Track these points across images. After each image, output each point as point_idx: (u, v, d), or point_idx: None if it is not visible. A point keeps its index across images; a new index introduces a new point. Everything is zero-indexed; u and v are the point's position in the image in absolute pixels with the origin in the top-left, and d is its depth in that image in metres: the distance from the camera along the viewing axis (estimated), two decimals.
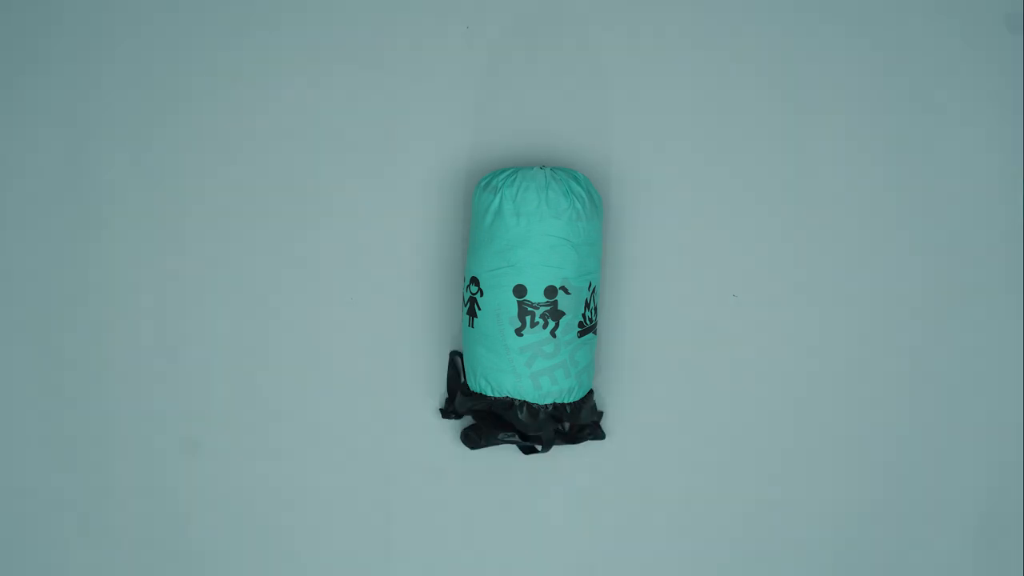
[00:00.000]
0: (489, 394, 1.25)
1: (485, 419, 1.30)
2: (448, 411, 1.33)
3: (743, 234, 1.37)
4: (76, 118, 1.38)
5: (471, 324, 1.24)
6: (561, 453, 1.33)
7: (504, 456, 1.35)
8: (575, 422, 1.28)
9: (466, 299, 1.25)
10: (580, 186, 1.23)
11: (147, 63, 1.38)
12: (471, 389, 1.27)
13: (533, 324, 1.20)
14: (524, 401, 1.24)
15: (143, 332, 1.38)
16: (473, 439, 1.31)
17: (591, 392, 1.30)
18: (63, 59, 1.38)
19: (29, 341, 1.38)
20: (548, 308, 1.20)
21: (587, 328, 1.24)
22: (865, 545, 1.37)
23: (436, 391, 1.37)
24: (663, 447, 1.37)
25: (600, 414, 1.32)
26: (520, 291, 1.20)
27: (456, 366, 1.33)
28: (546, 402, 1.23)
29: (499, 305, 1.21)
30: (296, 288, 1.38)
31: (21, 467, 1.38)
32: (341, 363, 1.37)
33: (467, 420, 1.35)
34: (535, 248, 1.19)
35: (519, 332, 1.21)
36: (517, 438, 1.29)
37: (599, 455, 1.35)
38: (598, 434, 1.33)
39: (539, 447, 1.29)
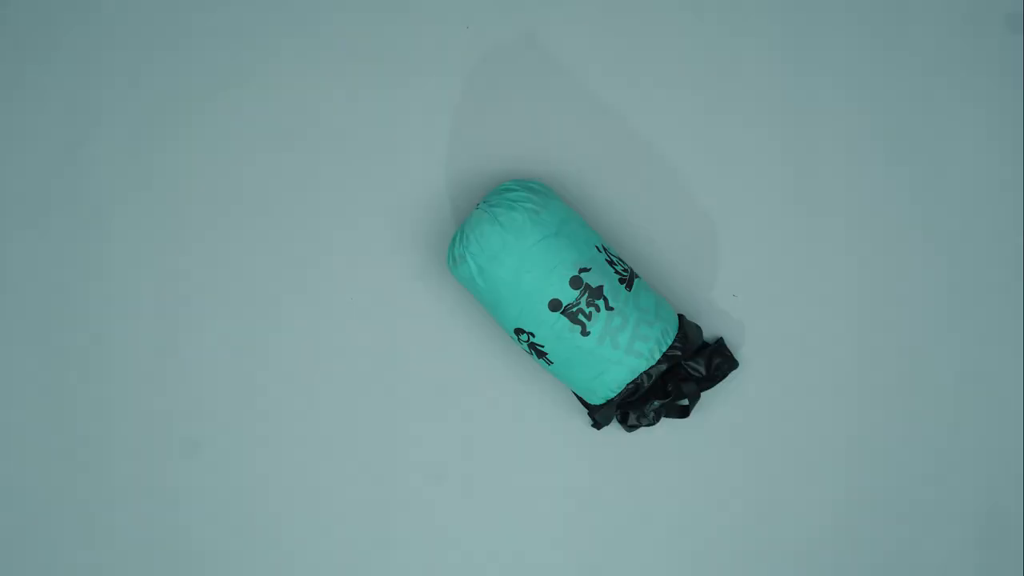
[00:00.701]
0: (613, 395, 1.25)
1: (629, 407, 1.30)
2: (599, 425, 1.32)
3: (743, 233, 1.37)
4: (76, 118, 1.38)
5: (548, 362, 1.25)
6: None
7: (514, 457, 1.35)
8: (692, 351, 1.28)
9: (525, 348, 1.25)
10: (516, 190, 1.23)
11: (147, 63, 1.38)
12: (597, 404, 1.27)
13: (588, 317, 1.21)
14: (642, 374, 1.24)
15: (143, 332, 1.38)
16: (633, 424, 1.31)
17: (681, 318, 1.29)
18: (63, 59, 1.38)
19: (29, 341, 1.38)
20: (585, 295, 1.20)
21: (628, 278, 1.24)
22: (865, 545, 1.37)
23: (437, 390, 1.37)
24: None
25: (700, 330, 1.31)
26: (556, 305, 1.20)
27: (577, 398, 1.33)
28: (655, 359, 1.24)
29: (553, 330, 1.21)
30: (296, 288, 1.38)
31: (21, 467, 1.38)
32: (341, 363, 1.37)
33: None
34: (532, 265, 1.20)
35: (585, 332, 1.21)
36: (662, 406, 1.30)
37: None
38: (729, 359, 1.32)
39: (687, 402, 1.30)
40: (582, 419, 1.36)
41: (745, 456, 1.37)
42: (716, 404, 1.36)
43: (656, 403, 1.29)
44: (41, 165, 1.37)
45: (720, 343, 1.32)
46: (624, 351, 1.22)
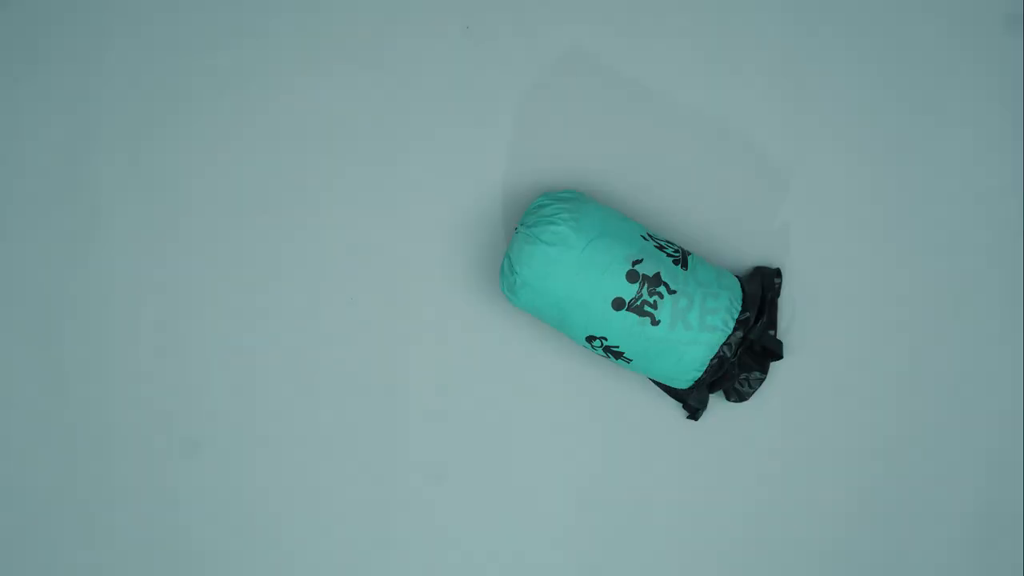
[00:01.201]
0: (701, 375, 1.25)
1: (721, 382, 1.30)
2: (696, 412, 1.33)
3: (744, 232, 1.37)
4: (76, 118, 1.38)
5: (626, 360, 1.25)
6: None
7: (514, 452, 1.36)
8: (760, 304, 1.28)
9: (601, 353, 1.25)
10: (549, 204, 1.24)
11: (147, 63, 1.38)
12: (687, 387, 1.27)
13: (654, 306, 1.21)
14: (721, 346, 1.23)
15: (143, 332, 1.38)
16: (745, 390, 1.31)
17: (738, 281, 1.28)
18: (63, 59, 1.38)
19: (29, 341, 1.38)
20: (645, 285, 1.21)
21: (681, 258, 1.24)
22: (865, 545, 1.37)
23: (438, 390, 1.37)
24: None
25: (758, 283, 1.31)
26: (619, 303, 1.20)
27: (663, 388, 1.33)
28: (730, 328, 1.23)
29: (623, 328, 1.21)
30: (296, 288, 1.38)
31: (21, 467, 1.38)
32: (341, 363, 1.37)
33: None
34: (585, 272, 1.20)
35: (655, 322, 1.21)
36: (757, 375, 1.30)
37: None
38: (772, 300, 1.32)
39: (777, 355, 1.30)
40: (582, 419, 1.36)
41: (745, 456, 1.37)
42: (715, 406, 1.36)
43: (757, 373, 1.30)
44: (41, 165, 1.37)
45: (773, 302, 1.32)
46: (697, 329, 1.22)
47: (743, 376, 1.30)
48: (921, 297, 1.37)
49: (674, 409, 1.36)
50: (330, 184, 1.38)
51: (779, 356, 1.30)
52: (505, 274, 1.24)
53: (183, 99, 1.38)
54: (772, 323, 1.31)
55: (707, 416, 1.36)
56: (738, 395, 1.32)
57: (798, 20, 1.37)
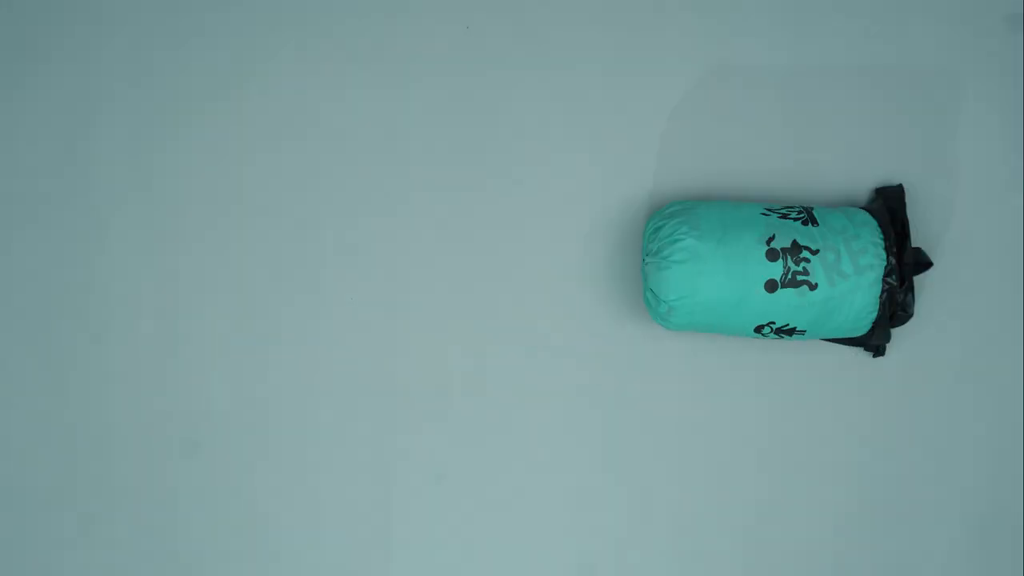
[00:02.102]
0: (877, 314, 1.24)
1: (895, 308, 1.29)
2: (880, 349, 1.33)
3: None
4: (76, 118, 1.38)
5: (800, 334, 1.25)
6: None
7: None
8: (894, 223, 1.28)
9: (773, 337, 1.26)
10: (663, 225, 1.24)
11: (147, 63, 1.38)
12: (869, 332, 1.27)
13: (806, 272, 1.21)
14: (883, 280, 1.23)
15: (143, 332, 1.38)
16: (900, 321, 1.30)
17: (867, 212, 1.28)
18: (63, 59, 1.38)
19: (29, 341, 1.38)
20: (788, 258, 1.21)
21: (807, 216, 1.24)
22: (865, 545, 1.37)
23: (437, 391, 1.37)
24: None
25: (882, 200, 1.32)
26: (772, 285, 1.21)
27: (850, 342, 1.33)
28: (884, 259, 1.24)
29: (788, 306, 1.22)
30: (296, 288, 1.37)
31: (21, 467, 1.38)
32: (340, 363, 1.37)
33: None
34: (726, 271, 1.21)
35: (813, 287, 1.21)
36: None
37: None
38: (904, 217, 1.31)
39: (928, 263, 1.31)
40: (582, 418, 1.36)
41: (745, 457, 1.37)
42: (715, 405, 1.36)
43: (909, 295, 1.29)
44: (41, 165, 1.37)
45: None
46: (855, 274, 1.23)
47: (905, 300, 1.29)
48: (920, 296, 1.36)
49: (674, 410, 1.36)
50: (330, 183, 1.37)
51: (930, 264, 1.30)
52: (652, 306, 1.25)
53: (183, 99, 1.38)
54: (907, 235, 1.30)
55: (706, 416, 1.36)
56: (902, 318, 1.30)
57: (797, 20, 1.37)
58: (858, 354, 1.36)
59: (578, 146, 1.36)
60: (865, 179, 1.36)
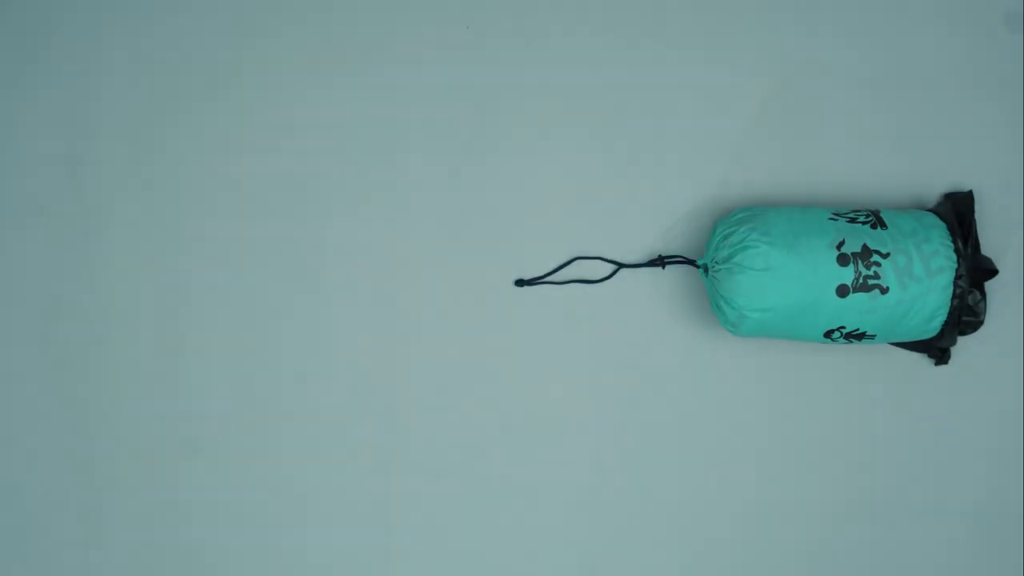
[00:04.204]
0: (947, 317, 1.24)
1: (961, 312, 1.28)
2: (944, 355, 1.32)
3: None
4: (76, 118, 1.38)
5: (870, 337, 1.24)
6: None
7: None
8: (963, 228, 1.28)
9: (843, 342, 1.25)
10: (732, 232, 1.24)
11: (147, 63, 1.38)
12: (938, 335, 1.26)
13: (877, 276, 1.20)
14: (954, 282, 1.23)
15: (143, 332, 1.38)
16: (972, 328, 1.29)
17: (936, 215, 1.28)
18: (63, 59, 1.38)
19: (29, 341, 1.38)
20: (858, 262, 1.20)
21: (876, 220, 1.24)
22: (865, 545, 1.37)
23: (437, 390, 1.37)
24: None
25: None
26: (843, 290, 1.20)
27: (916, 347, 1.33)
28: (955, 261, 1.23)
29: (858, 311, 1.21)
30: (297, 288, 1.38)
31: (21, 467, 1.38)
32: (341, 363, 1.37)
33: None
34: (796, 276, 1.20)
35: (884, 291, 1.20)
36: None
37: None
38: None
39: (994, 271, 1.30)
40: (582, 416, 1.36)
41: (744, 457, 1.37)
42: (714, 405, 1.36)
43: (976, 295, 1.29)
44: (41, 165, 1.37)
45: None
46: (927, 277, 1.22)
47: (975, 302, 1.29)
48: None
49: (674, 409, 1.36)
50: (330, 183, 1.37)
51: (996, 271, 1.30)
52: (722, 312, 1.25)
53: (183, 99, 1.38)
54: (977, 242, 1.30)
55: (706, 415, 1.36)
56: (972, 325, 1.29)
57: (798, 20, 1.37)
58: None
59: (578, 146, 1.36)
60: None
